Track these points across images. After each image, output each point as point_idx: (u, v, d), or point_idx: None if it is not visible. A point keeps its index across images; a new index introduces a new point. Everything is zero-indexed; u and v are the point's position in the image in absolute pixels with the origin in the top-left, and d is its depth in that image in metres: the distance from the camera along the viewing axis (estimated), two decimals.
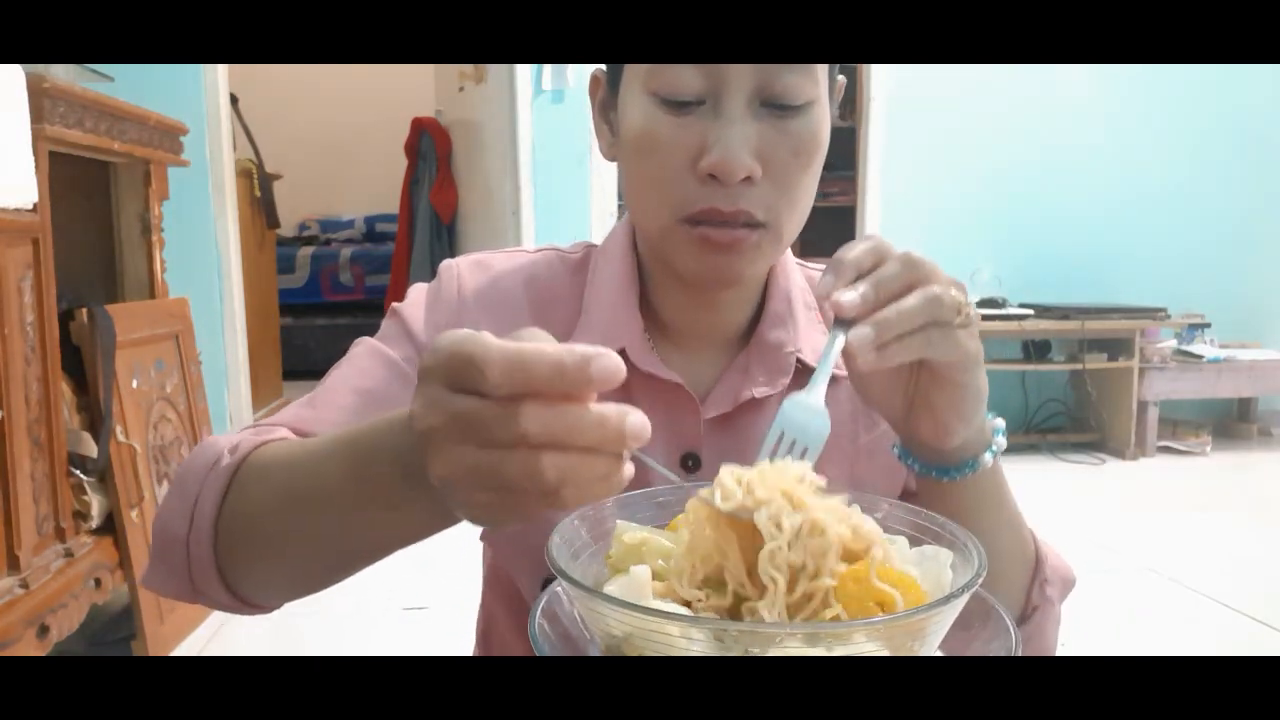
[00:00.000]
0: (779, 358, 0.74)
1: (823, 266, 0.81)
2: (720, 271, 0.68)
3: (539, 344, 0.39)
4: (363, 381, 0.70)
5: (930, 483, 0.64)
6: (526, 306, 0.75)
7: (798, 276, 0.80)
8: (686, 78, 0.64)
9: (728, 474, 0.48)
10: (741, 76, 0.64)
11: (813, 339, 0.76)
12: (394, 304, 0.77)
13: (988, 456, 0.62)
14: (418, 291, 0.77)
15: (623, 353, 0.71)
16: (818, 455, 0.54)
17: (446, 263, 0.79)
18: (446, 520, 0.50)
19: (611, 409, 0.40)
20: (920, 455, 0.64)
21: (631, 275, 0.75)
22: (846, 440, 0.74)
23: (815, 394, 0.55)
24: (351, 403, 0.69)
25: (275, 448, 0.60)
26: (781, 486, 0.47)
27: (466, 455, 0.39)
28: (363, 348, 0.73)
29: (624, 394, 0.74)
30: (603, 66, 0.73)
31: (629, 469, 0.41)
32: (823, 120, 0.68)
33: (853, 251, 0.56)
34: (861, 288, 0.54)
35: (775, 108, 0.65)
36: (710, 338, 0.76)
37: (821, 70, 0.67)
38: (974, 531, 0.61)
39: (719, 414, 0.72)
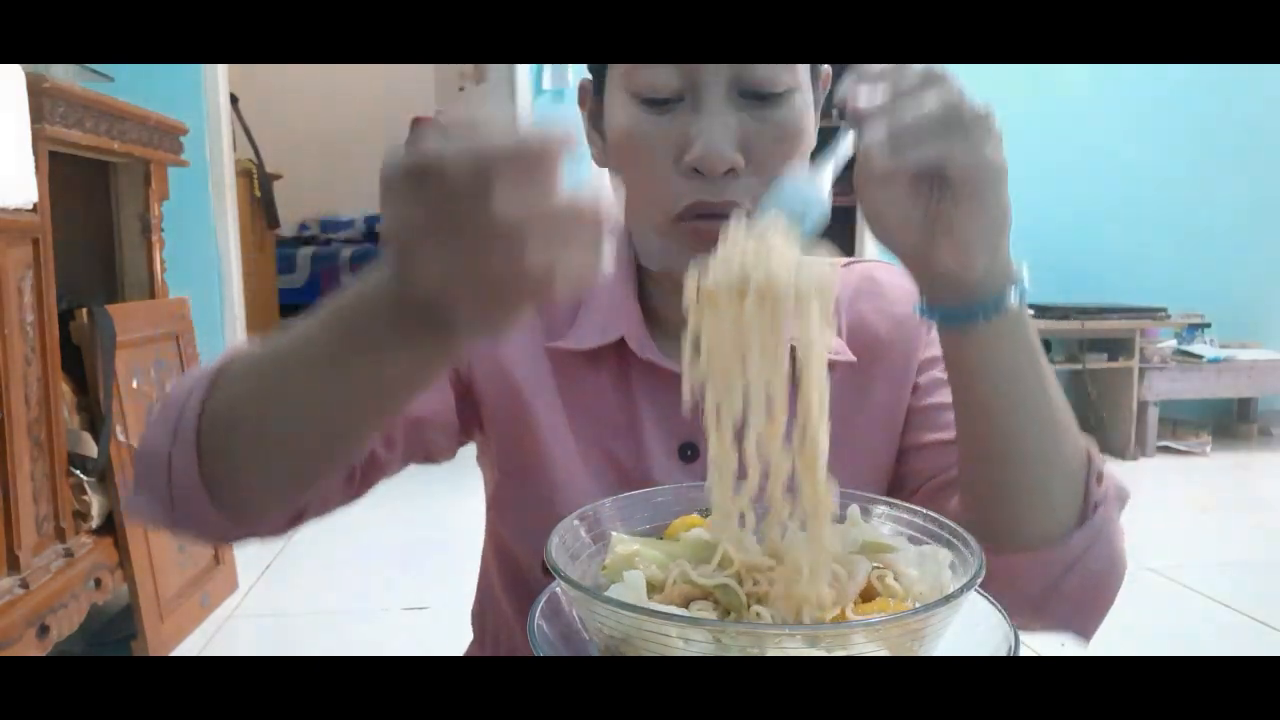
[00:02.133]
0: None
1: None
2: None
3: (491, 121, 0.38)
4: None
5: (958, 339, 0.61)
6: None
7: None
8: (663, 75, 0.65)
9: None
10: (717, 69, 0.64)
11: None
12: None
13: (1013, 291, 0.59)
14: None
15: (621, 341, 0.73)
16: (813, 231, 0.53)
17: None
18: (434, 355, 0.48)
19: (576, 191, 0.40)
20: (942, 300, 0.60)
21: (629, 270, 0.76)
22: (834, 423, 0.75)
23: (819, 175, 0.54)
24: None
25: (259, 342, 0.57)
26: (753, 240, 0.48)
27: (449, 256, 0.39)
28: None
29: (624, 383, 0.74)
30: (589, 75, 0.74)
31: (608, 249, 0.41)
32: (805, 108, 0.68)
33: (875, 67, 0.55)
34: (881, 84, 0.53)
35: (754, 97, 0.65)
36: None
37: None
38: (1016, 396, 0.61)
39: None
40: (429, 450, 0.73)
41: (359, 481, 0.67)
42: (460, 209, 0.38)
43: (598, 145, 0.74)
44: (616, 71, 0.68)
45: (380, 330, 0.46)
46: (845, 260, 0.83)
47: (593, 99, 0.74)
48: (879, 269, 0.82)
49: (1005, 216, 0.56)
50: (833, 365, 0.73)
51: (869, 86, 0.53)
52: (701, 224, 0.66)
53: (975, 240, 0.56)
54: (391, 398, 0.52)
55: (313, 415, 0.52)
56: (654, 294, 0.76)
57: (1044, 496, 0.63)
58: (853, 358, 0.76)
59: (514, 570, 0.79)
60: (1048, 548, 0.62)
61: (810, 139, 0.70)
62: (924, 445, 0.75)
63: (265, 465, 0.55)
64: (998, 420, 0.62)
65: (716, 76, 0.65)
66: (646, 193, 0.68)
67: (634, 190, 0.69)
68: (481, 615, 0.87)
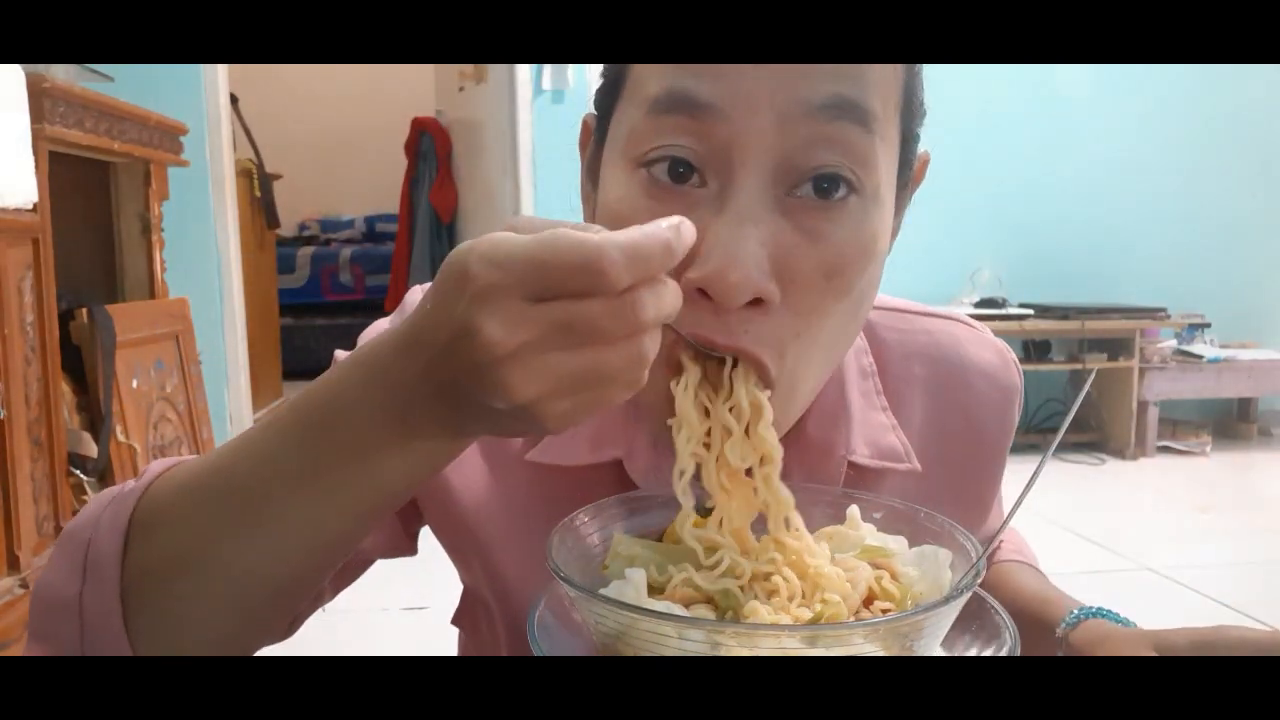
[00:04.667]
0: (827, 463, 0.59)
1: (890, 300, 0.66)
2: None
3: (642, 229, 0.37)
4: None
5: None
6: None
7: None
8: (679, 140, 0.46)
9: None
10: (762, 144, 0.45)
11: (870, 425, 0.61)
12: (383, 318, 0.63)
13: None
14: (416, 295, 0.63)
15: (618, 463, 0.58)
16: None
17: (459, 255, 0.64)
18: (445, 452, 0.44)
19: (669, 279, 0.38)
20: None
21: None
22: None
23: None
24: None
25: (190, 460, 0.49)
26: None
27: (565, 363, 0.36)
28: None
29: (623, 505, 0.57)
30: (594, 110, 0.57)
31: None
32: (880, 222, 0.49)
33: None
34: None
35: (809, 196, 0.47)
36: None
37: (883, 144, 0.49)
38: None
39: None
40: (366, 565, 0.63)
41: (296, 624, 0.58)
42: (603, 311, 0.36)
43: (590, 205, 0.56)
44: (618, 129, 0.51)
45: (379, 436, 0.41)
46: (908, 306, 0.66)
47: (593, 144, 0.56)
48: (967, 341, 0.65)
49: None
50: (888, 474, 0.61)
51: None
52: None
53: None
54: (389, 502, 0.46)
55: (291, 542, 0.46)
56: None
57: None
58: (917, 466, 0.61)
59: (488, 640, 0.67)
60: None
61: (878, 272, 0.50)
62: None
63: (209, 608, 0.47)
64: None
65: (757, 156, 0.45)
66: None
67: None
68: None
